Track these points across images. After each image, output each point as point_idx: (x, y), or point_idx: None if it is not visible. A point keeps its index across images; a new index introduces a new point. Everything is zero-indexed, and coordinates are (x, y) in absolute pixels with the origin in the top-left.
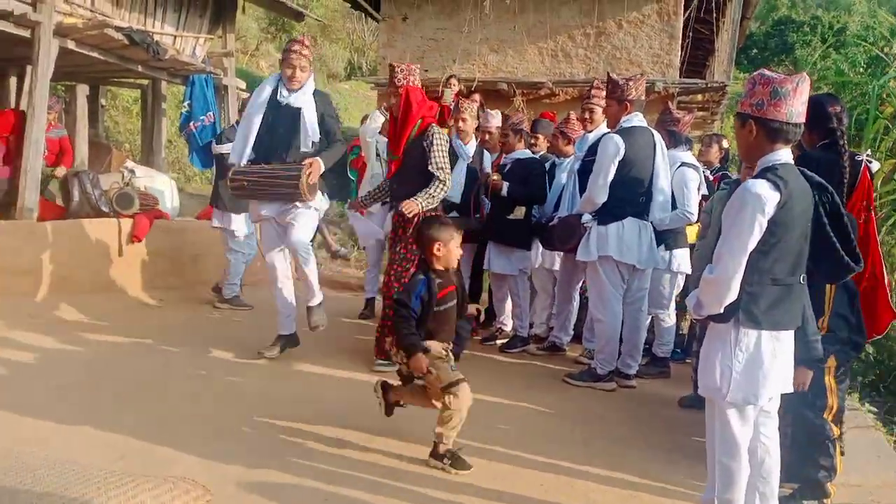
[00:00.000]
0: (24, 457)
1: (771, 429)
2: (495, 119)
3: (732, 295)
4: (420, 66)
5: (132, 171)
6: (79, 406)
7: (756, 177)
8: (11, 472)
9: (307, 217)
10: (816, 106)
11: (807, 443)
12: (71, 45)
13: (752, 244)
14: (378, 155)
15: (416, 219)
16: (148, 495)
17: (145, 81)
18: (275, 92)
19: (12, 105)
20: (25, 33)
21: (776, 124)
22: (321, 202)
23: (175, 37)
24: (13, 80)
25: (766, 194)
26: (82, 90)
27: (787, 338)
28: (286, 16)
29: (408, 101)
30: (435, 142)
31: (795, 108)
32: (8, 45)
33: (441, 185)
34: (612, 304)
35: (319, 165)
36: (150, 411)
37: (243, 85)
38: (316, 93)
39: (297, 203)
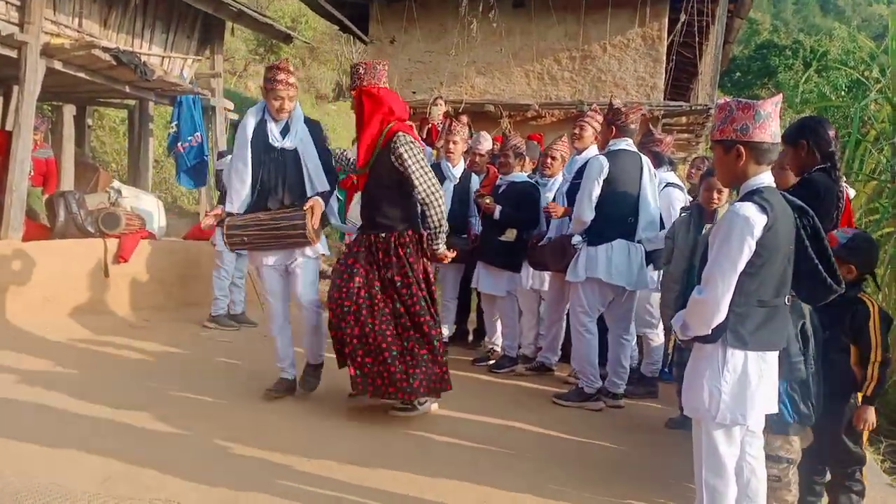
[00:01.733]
0: (7, 480)
1: (757, 448)
2: (486, 142)
3: (721, 316)
4: (408, 88)
5: (118, 192)
6: (62, 428)
7: (742, 199)
8: None
9: (311, 268)
10: (818, 128)
11: (841, 469)
12: (58, 65)
13: (742, 266)
14: None
15: (411, 245)
16: None
17: (132, 102)
18: (263, 130)
19: None
20: (12, 53)
21: (765, 146)
22: (322, 246)
23: (163, 57)
24: None
25: (755, 217)
26: (69, 110)
27: (773, 359)
28: (275, 38)
29: (360, 103)
30: (405, 155)
31: (775, 129)
32: None
33: (437, 212)
34: (588, 324)
35: (321, 206)
36: (134, 434)
37: (231, 106)
38: (307, 122)
39: (304, 249)
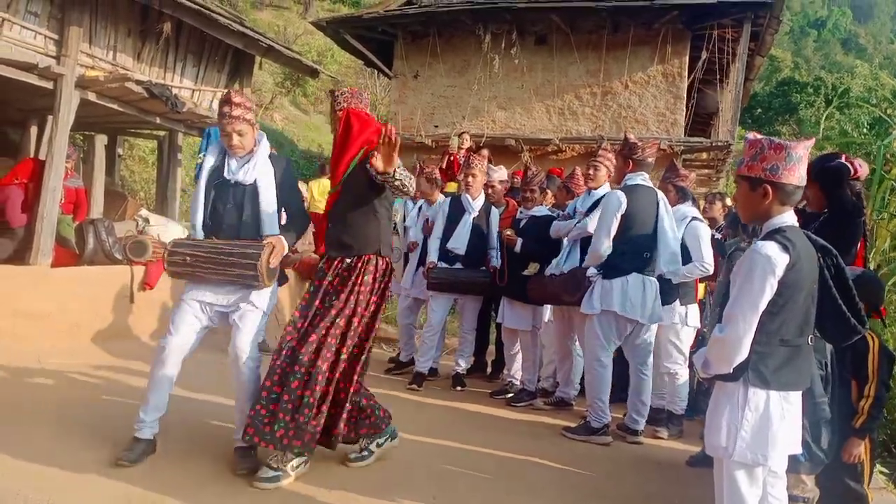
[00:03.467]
0: (29, 500)
1: (779, 490)
2: (497, 173)
3: (743, 355)
4: (430, 121)
5: (146, 220)
6: (83, 453)
7: (764, 238)
8: None
9: (255, 321)
10: (845, 170)
11: None
12: (92, 96)
13: (764, 304)
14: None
15: (375, 273)
16: None
17: (162, 132)
18: (221, 162)
19: (32, 153)
20: (48, 85)
21: (790, 188)
22: (272, 300)
23: (193, 90)
24: (34, 130)
25: (777, 256)
26: (100, 140)
27: (796, 399)
28: (302, 72)
29: (348, 122)
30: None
31: (803, 172)
32: (31, 95)
33: (401, 180)
34: (602, 357)
35: (283, 247)
36: (155, 459)
37: None
38: (272, 157)
39: (250, 289)
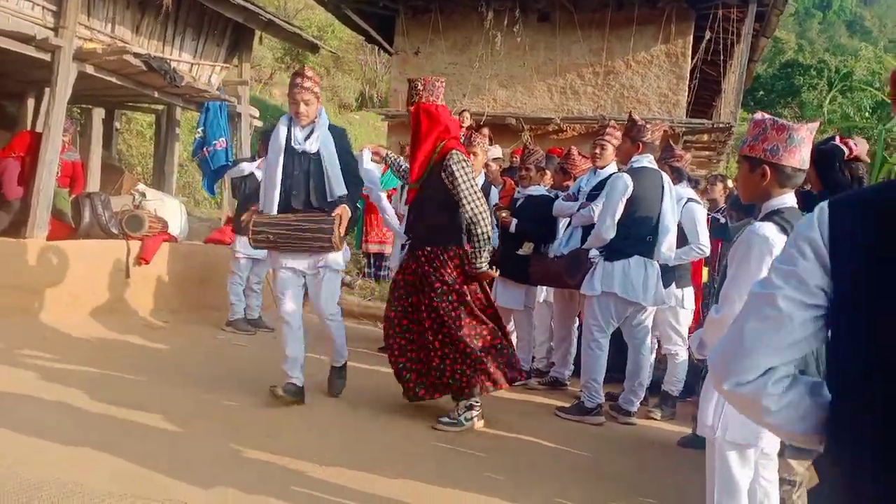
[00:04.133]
0: (28, 476)
1: (771, 471)
2: (491, 151)
3: None
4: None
5: (143, 194)
6: (80, 427)
7: (762, 219)
8: (14, 493)
9: (334, 281)
10: (837, 151)
11: None
12: (89, 69)
13: None
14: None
15: (449, 264)
16: None
17: (160, 106)
18: (289, 135)
19: (29, 126)
20: (46, 57)
21: (789, 170)
22: (345, 254)
23: (192, 64)
24: (31, 102)
25: (774, 237)
26: (98, 113)
27: None
28: (302, 47)
29: (417, 120)
30: (457, 173)
31: (805, 155)
32: (28, 67)
33: (483, 231)
34: (599, 338)
35: (349, 214)
36: (149, 433)
37: (257, 113)
38: (331, 128)
39: (327, 254)
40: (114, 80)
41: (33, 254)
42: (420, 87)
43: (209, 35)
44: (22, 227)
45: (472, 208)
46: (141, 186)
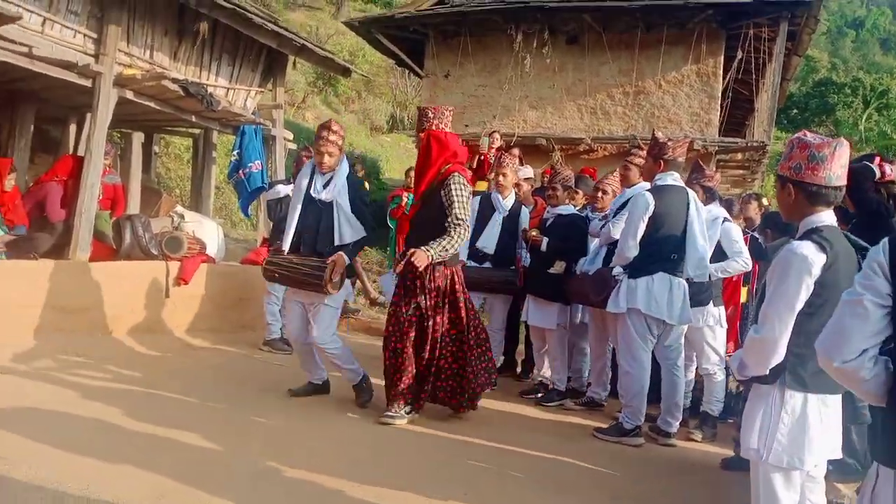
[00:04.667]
0: (67, 493)
1: (818, 495)
2: (522, 172)
3: (779, 356)
4: (461, 121)
5: (181, 216)
6: (118, 444)
7: (800, 238)
8: None
9: (328, 315)
10: (866, 171)
11: None
12: (129, 94)
13: (800, 305)
14: None
15: (428, 269)
16: None
17: (198, 130)
18: (310, 183)
19: (71, 150)
20: (87, 83)
21: (813, 188)
22: (342, 295)
23: (228, 89)
24: (73, 127)
25: (812, 255)
26: (137, 137)
27: (835, 402)
28: (334, 71)
29: (428, 145)
30: (454, 191)
31: (834, 172)
32: (70, 93)
33: (456, 239)
34: (639, 356)
35: (343, 261)
36: (188, 452)
37: (291, 136)
38: (349, 179)
39: (323, 294)
40: (153, 104)
41: (76, 274)
42: (431, 114)
43: (244, 60)
44: (65, 248)
45: (457, 213)
46: (179, 208)
